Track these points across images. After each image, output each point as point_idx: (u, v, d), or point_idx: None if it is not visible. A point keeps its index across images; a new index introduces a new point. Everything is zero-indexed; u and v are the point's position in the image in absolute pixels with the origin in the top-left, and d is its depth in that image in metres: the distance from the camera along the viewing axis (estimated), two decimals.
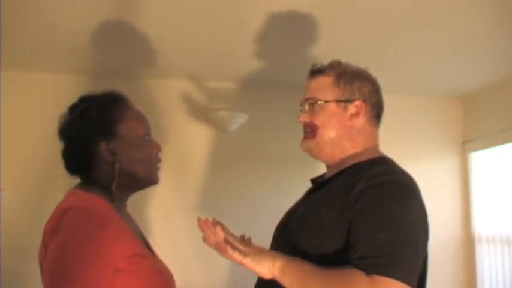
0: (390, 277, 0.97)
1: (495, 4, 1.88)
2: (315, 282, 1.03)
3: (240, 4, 1.92)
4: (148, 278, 1.12)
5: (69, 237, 1.05)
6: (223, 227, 1.22)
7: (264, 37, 2.23)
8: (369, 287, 0.96)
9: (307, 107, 1.28)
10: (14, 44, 2.30)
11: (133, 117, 1.25)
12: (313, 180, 1.37)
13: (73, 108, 1.23)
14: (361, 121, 1.25)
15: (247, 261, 1.09)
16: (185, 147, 2.84)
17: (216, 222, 1.22)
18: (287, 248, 1.14)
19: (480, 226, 3.01)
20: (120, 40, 2.28)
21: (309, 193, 1.32)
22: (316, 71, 1.30)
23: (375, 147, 1.28)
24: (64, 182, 1.25)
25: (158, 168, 1.28)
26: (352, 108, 1.24)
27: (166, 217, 2.73)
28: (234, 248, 1.12)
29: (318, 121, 1.25)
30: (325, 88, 1.26)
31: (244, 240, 1.24)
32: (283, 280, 1.06)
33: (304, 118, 1.27)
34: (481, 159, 3.05)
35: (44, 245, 1.11)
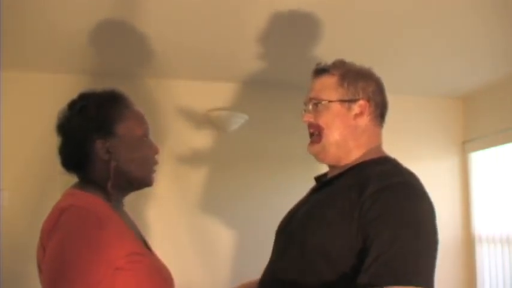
0: (416, 285, 0.96)
1: (495, 4, 1.88)
2: None
3: (240, 4, 1.92)
4: (147, 276, 1.12)
5: (68, 236, 1.04)
6: None
7: (264, 37, 2.23)
8: None
9: (311, 106, 1.27)
10: (14, 44, 2.30)
11: (132, 117, 1.24)
12: (317, 179, 1.37)
13: (72, 105, 1.23)
14: (365, 121, 1.25)
15: None
16: (185, 147, 2.84)
17: None
18: (289, 248, 1.14)
19: (480, 226, 3.01)
20: (120, 40, 2.28)
21: (312, 192, 1.32)
22: (320, 71, 1.30)
23: (378, 146, 1.28)
24: (64, 182, 1.25)
25: (154, 171, 1.27)
26: (356, 108, 1.24)
27: (166, 217, 2.73)
28: None
29: (322, 122, 1.24)
30: (329, 88, 1.26)
31: None
32: None
33: (309, 118, 1.27)
34: (481, 159, 3.05)
35: (42, 245, 1.10)
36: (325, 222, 1.11)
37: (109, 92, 1.26)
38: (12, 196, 2.57)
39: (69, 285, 1.00)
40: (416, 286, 0.96)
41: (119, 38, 2.26)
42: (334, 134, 1.23)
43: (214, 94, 2.91)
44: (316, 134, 1.26)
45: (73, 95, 1.27)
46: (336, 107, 1.24)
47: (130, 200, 1.31)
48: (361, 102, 1.24)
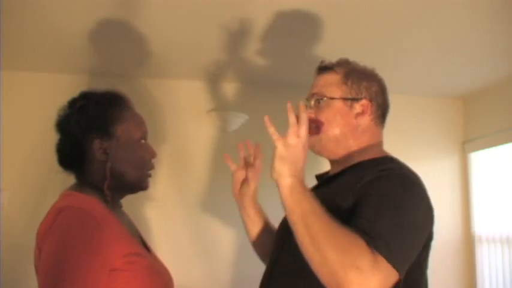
0: (391, 262, 0.94)
1: (495, 4, 1.88)
2: (318, 224, 0.98)
3: (240, 4, 1.92)
4: (145, 276, 1.12)
5: (64, 237, 1.04)
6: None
7: (265, 37, 2.22)
8: (372, 261, 0.92)
9: (312, 102, 1.28)
10: (14, 44, 2.30)
11: (130, 120, 1.24)
12: (318, 177, 1.37)
13: (72, 103, 1.23)
14: (366, 120, 1.25)
15: (279, 142, 1.09)
16: (185, 147, 2.84)
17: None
18: (289, 246, 1.14)
19: (480, 226, 3.01)
20: (120, 40, 2.28)
21: (313, 190, 1.32)
22: (324, 68, 1.30)
23: (380, 146, 1.29)
24: (63, 182, 1.25)
25: (149, 175, 1.27)
26: (358, 107, 1.24)
27: (166, 217, 2.73)
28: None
29: (323, 117, 1.24)
30: (332, 85, 1.26)
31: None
32: (286, 200, 1.04)
33: (310, 114, 1.27)
34: (481, 159, 3.05)
35: (38, 247, 1.10)
36: None
37: (110, 93, 1.26)
38: (12, 196, 2.56)
39: (65, 286, 1.00)
40: (390, 263, 0.94)
41: (118, 38, 2.26)
42: (334, 130, 1.23)
43: (214, 94, 2.91)
44: (313, 126, 1.25)
45: (73, 95, 1.27)
46: (338, 104, 1.24)
47: (129, 200, 1.31)
48: (364, 101, 1.25)
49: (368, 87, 1.26)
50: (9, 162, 2.57)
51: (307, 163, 1.13)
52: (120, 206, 1.29)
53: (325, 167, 1.37)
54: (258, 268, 1.29)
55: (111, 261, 1.05)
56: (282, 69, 2.68)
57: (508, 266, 2.75)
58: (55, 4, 1.89)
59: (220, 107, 2.86)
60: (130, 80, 2.73)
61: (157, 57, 2.49)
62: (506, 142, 2.79)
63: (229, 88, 2.94)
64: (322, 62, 1.32)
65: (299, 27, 2.13)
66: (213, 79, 2.87)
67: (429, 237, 1.13)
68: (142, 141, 1.26)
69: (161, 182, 2.68)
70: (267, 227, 1.46)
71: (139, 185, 1.24)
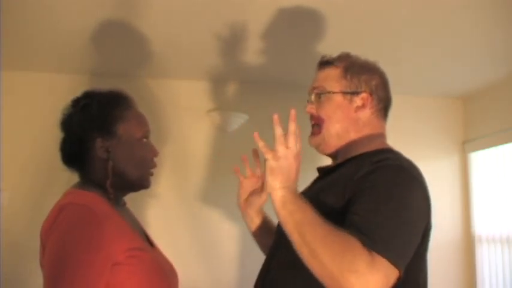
0: (389, 259, 0.94)
1: (495, 4, 1.88)
2: (313, 233, 0.98)
3: (240, 4, 1.92)
4: (147, 271, 1.13)
5: (67, 233, 1.05)
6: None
7: (265, 37, 2.23)
8: (369, 262, 0.92)
9: (313, 97, 1.29)
10: (14, 44, 2.30)
11: (132, 119, 1.25)
12: (319, 169, 1.37)
13: (76, 102, 1.25)
14: (366, 114, 1.25)
15: (269, 156, 1.08)
16: (185, 147, 2.84)
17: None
18: (286, 241, 1.14)
19: (480, 226, 3.01)
20: (120, 40, 2.28)
21: (315, 182, 1.33)
22: (325, 63, 1.31)
23: (382, 138, 1.28)
24: (64, 182, 1.26)
25: (151, 173, 1.28)
26: (358, 101, 1.25)
27: (166, 216, 2.73)
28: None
29: (323, 113, 1.25)
30: (332, 79, 1.27)
31: None
32: (279, 213, 1.04)
33: (311, 109, 1.28)
34: (481, 159, 3.05)
35: (42, 244, 1.12)
36: (324, 209, 1.11)
37: (113, 92, 1.27)
38: (12, 196, 2.57)
39: (69, 281, 1.01)
40: (389, 260, 0.94)
41: (119, 38, 2.26)
42: (335, 126, 1.24)
43: (214, 94, 2.91)
44: (316, 125, 1.26)
45: (73, 95, 1.29)
46: (338, 98, 1.25)
47: (131, 198, 1.32)
48: (364, 95, 1.25)
49: (368, 80, 1.26)
50: (9, 162, 2.57)
51: (304, 164, 1.13)
52: (124, 204, 1.30)
53: (327, 161, 1.37)
54: (259, 266, 1.30)
55: (114, 256, 1.06)
56: (282, 69, 2.68)
57: (508, 266, 2.75)
58: (55, 4, 1.89)
59: (220, 107, 2.86)
60: (130, 80, 2.73)
61: (157, 57, 2.49)
62: (506, 142, 2.79)
63: (229, 88, 2.94)
64: (323, 57, 1.33)
65: (299, 27, 2.13)
66: (213, 79, 2.87)
67: (427, 227, 1.12)
68: (144, 140, 1.26)
69: (161, 181, 2.69)
70: (270, 231, 1.44)
71: (141, 183, 1.25)
